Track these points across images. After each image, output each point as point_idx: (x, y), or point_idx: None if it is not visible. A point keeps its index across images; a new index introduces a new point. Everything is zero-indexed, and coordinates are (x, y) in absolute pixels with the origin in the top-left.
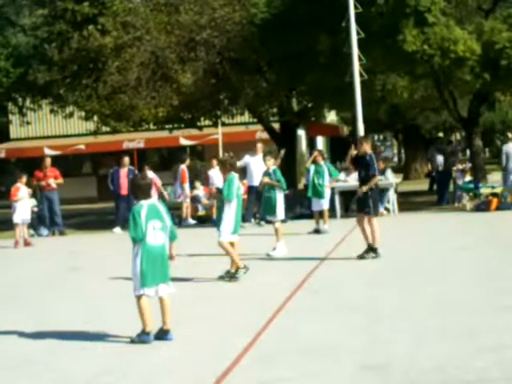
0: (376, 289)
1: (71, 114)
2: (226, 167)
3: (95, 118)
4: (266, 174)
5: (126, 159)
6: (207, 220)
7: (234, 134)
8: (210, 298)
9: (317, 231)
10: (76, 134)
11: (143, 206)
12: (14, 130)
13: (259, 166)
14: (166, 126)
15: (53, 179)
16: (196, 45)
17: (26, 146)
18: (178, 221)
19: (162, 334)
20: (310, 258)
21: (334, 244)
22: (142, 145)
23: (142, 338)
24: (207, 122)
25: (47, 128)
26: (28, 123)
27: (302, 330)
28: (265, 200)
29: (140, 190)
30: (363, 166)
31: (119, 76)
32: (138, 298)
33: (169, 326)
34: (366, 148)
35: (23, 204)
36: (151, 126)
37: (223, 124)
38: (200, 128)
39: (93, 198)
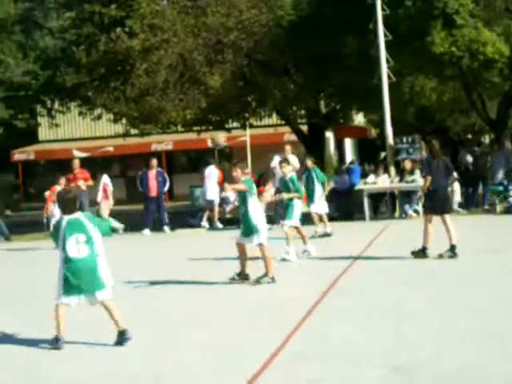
0: (404, 290)
1: (99, 116)
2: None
3: (123, 120)
4: (282, 181)
5: (155, 161)
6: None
7: (262, 136)
8: (243, 299)
9: (327, 235)
10: (104, 136)
11: (62, 220)
12: (43, 132)
13: None
14: (194, 128)
15: (83, 181)
16: (223, 47)
17: (54, 148)
18: (209, 223)
19: (121, 336)
20: (340, 257)
21: (363, 246)
22: (170, 147)
23: (52, 343)
24: (235, 124)
25: (76, 130)
26: (57, 125)
27: (333, 332)
28: (285, 206)
29: (63, 204)
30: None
31: (147, 78)
32: (57, 305)
33: (121, 325)
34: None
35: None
36: (179, 128)
37: (251, 126)
38: (228, 130)
39: (121, 199)
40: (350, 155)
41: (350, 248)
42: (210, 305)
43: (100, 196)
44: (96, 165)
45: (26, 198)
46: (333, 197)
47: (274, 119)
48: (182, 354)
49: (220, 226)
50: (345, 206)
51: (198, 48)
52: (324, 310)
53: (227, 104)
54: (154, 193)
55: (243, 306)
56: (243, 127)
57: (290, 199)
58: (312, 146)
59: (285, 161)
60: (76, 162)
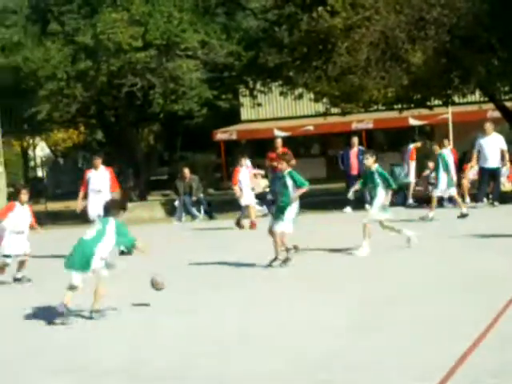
0: None
1: (301, 96)
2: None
3: (324, 99)
4: (279, 178)
5: (355, 139)
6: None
7: (465, 113)
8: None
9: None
10: (305, 115)
11: None
12: (245, 112)
13: (492, 146)
14: (395, 107)
15: None
16: (426, 23)
17: (256, 128)
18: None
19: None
20: None
21: None
22: (370, 125)
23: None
24: (437, 102)
25: (277, 110)
26: (259, 105)
27: None
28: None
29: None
30: None
31: (349, 57)
32: None
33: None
34: None
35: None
36: (380, 107)
37: (453, 103)
38: (430, 108)
39: (322, 178)
40: None
41: None
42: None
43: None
44: (297, 144)
45: (229, 177)
46: None
47: (477, 96)
48: (393, 330)
49: (413, 203)
50: None
51: (400, 25)
52: None
53: (429, 81)
54: (355, 171)
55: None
56: (445, 104)
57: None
58: None
59: (368, 152)
60: (279, 142)
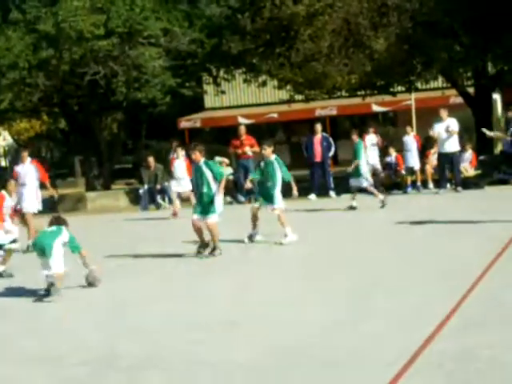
0: None
1: (264, 83)
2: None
3: (288, 86)
4: (258, 166)
5: (319, 126)
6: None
7: (428, 99)
8: (410, 266)
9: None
10: (269, 103)
11: None
12: (209, 100)
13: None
14: (359, 93)
15: (249, 147)
16: (388, 10)
17: (220, 116)
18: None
19: None
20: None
21: None
22: (334, 112)
23: None
24: (400, 88)
25: (241, 97)
26: (222, 93)
27: (505, 297)
28: (264, 190)
29: None
30: None
31: (312, 44)
32: None
33: None
34: None
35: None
36: (343, 93)
37: (416, 89)
38: (393, 94)
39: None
40: None
41: None
42: (385, 273)
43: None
44: (261, 131)
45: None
46: (502, 159)
47: (440, 82)
48: (356, 326)
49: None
50: None
51: (362, 12)
52: (496, 275)
53: (392, 68)
54: (318, 158)
55: (411, 273)
56: (408, 91)
57: (270, 181)
58: (479, 108)
59: (266, 142)
60: (242, 129)
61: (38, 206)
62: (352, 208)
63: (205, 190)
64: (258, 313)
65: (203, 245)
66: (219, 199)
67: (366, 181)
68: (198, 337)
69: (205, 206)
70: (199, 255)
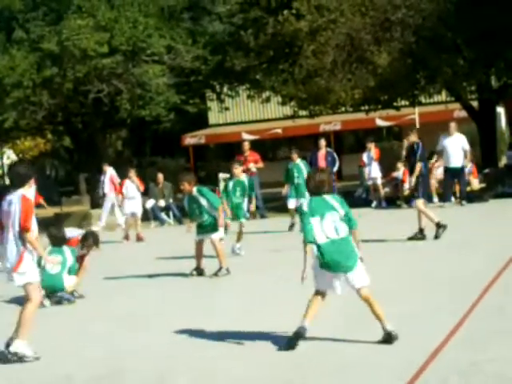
0: None
1: (268, 99)
2: None
3: (292, 102)
4: (190, 200)
5: (323, 141)
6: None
7: (432, 113)
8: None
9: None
10: (273, 119)
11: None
12: (213, 116)
13: (455, 146)
14: (362, 108)
15: (253, 163)
16: (391, 25)
17: (224, 132)
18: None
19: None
20: None
21: None
22: (338, 127)
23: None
24: (403, 103)
25: (245, 113)
26: (226, 109)
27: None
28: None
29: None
30: None
31: (315, 59)
32: None
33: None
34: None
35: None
36: (347, 108)
37: (420, 104)
38: (397, 108)
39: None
40: None
41: None
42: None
43: (107, 188)
44: (265, 147)
45: (198, 181)
46: (506, 172)
47: (444, 96)
48: (357, 335)
49: (384, 205)
50: None
51: (365, 27)
52: (500, 288)
53: (396, 82)
54: None
55: (419, 283)
56: (412, 105)
57: (241, 197)
58: (483, 121)
59: (237, 162)
60: (246, 145)
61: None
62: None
63: (205, 218)
64: (271, 325)
65: (197, 268)
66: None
67: None
68: (210, 352)
69: (207, 228)
70: (190, 275)
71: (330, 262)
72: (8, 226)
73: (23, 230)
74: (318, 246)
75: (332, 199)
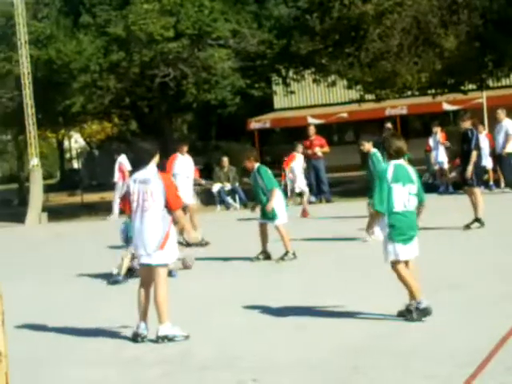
0: None
1: (334, 83)
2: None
3: (358, 86)
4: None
5: (389, 125)
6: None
7: (500, 97)
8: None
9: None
10: (339, 103)
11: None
12: (278, 101)
13: (501, 132)
14: (429, 92)
15: (319, 148)
16: (458, 8)
17: (289, 116)
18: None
19: None
20: None
21: None
22: (404, 111)
23: None
24: (471, 86)
25: (310, 97)
26: (292, 93)
27: None
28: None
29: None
30: None
31: (381, 43)
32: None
33: None
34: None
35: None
36: (413, 92)
37: (488, 87)
38: (464, 92)
39: (356, 165)
40: None
41: None
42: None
43: (117, 176)
44: (330, 131)
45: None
46: None
47: None
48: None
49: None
50: None
51: (432, 10)
52: None
53: (463, 66)
54: None
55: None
56: (479, 89)
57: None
58: None
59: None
60: (312, 129)
61: None
62: None
63: (263, 198)
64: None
65: (263, 252)
66: (280, 209)
67: None
68: (269, 337)
69: (268, 214)
70: (254, 259)
71: (402, 230)
72: (144, 205)
73: (173, 206)
74: (393, 214)
75: (412, 171)
